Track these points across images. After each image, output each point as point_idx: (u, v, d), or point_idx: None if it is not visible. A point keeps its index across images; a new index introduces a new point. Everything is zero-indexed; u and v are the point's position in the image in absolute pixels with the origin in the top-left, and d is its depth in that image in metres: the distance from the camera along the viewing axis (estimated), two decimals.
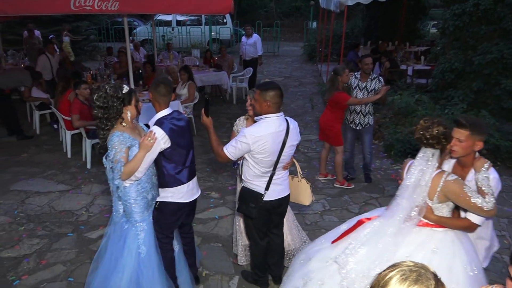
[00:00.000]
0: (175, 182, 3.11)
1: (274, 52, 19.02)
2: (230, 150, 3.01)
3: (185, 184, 3.16)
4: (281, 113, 3.12)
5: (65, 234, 4.43)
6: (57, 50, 12.30)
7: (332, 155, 5.80)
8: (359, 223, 2.86)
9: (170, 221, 3.24)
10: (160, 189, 3.15)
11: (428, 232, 2.65)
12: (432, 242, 2.61)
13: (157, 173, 3.12)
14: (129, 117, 2.90)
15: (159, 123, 3.00)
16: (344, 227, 3.02)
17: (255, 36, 10.62)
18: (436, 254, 2.56)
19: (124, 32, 6.51)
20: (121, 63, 9.24)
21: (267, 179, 3.16)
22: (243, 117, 3.65)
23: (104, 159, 2.93)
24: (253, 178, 3.16)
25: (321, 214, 4.97)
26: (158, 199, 3.17)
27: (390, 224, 2.66)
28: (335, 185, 5.65)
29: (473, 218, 2.58)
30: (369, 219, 2.86)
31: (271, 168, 3.13)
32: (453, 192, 2.52)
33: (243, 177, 3.23)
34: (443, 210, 2.63)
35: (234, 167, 3.62)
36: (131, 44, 9.26)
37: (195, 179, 3.29)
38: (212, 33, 18.81)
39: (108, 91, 2.78)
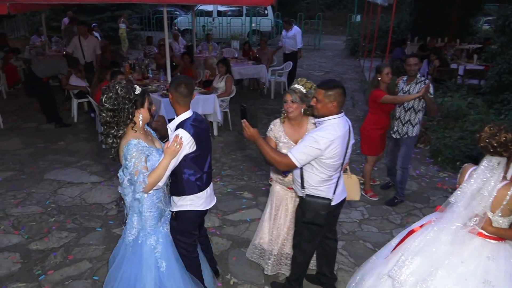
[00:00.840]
0: (194, 189, 2.91)
1: (315, 45, 18.54)
2: (299, 157, 2.73)
3: (204, 191, 2.97)
4: (343, 113, 2.90)
5: (94, 228, 4.34)
6: (99, 37, 12.46)
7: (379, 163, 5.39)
8: (410, 233, 2.70)
9: (191, 229, 3.06)
10: (175, 197, 2.94)
11: (481, 241, 2.54)
12: (486, 250, 2.50)
13: (173, 180, 2.88)
14: (141, 121, 2.64)
15: (182, 126, 2.77)
16: (394, 242, 2.84)
17: (295, 29, 10.26)
18: (492, 261, 2.45)
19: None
20: (162, 53, 9.13)
21: (332, 182, 2.96)
22: (278, 120, 3.33)
23: (120, 173, 2.69)
24: (319, 183, 2.92)
25: (360, 223, 4.65)
26: (175, 209, 2.96)
27: (446, 232, 2.52)
28: (361, 192, 5.12)
29: None
30: (420, 226, 2.70)
31: (338, 171, 2.94)
32: None
33: (305, 185, 2.96)
34: (503, 224, 2.49)
35: (285, 175, 3.31)
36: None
37: (211, 185, 3.11)
38: (253, 25, 18.55)
39: (119, 91, 2.51)
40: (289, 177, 3.28)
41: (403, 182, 4.97)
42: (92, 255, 3.91)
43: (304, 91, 3.10)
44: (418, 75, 4.72)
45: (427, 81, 4.67)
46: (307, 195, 2.97)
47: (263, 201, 4.95)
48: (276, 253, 3.53)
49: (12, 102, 8.99)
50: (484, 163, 2.47)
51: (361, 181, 5.36)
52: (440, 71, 8.94)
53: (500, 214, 2.45)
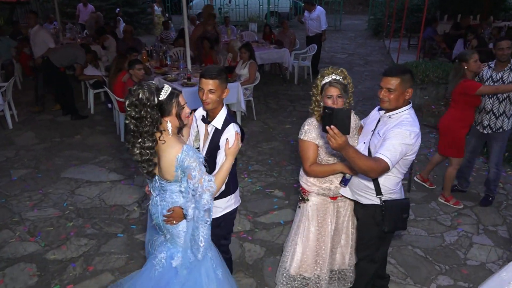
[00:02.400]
0: (236, 185, 2.80)
1: (335, 26, 17.82)
2: (394, 159, 2.34)
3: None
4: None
5: (115, 234, 3.99)
6: (123, 23, 12.05)
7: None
8: None
9: (232, 228, 2.97)
10: (220, 200, 2.67)
11: None
12: None
13: None
14: (170, 130, 2.22)
15: (230, 122, 2.58)
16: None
17: (319, 9, 9.64)
18: None
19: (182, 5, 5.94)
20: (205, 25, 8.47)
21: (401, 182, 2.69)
22: (313, 119, 2.73)
23: (184, 185, 2.28)
24: (396, 185, 2.63)
25: None
26: (220, 213, 2.71)
27: None
28: (439, 199, 4.62)
29: None
30: None
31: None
32: None
33: (382, 191, 2.59)
34: None
35: (342, 185, 2.75)
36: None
37: None
38: (270, 6, 17.86)
39: (140, 96, 2.11)
40: (336, 182, 2.82)
41: (497, 180, 4.47)
42: (114, 266, 3.56)
43: (344, 82, 2.63)
44: None
45: None
46: (387, 201, 2.59)
47: (296, 199, 4.53)
48: (326, 276, 3.00)
49: (27, 92, 8.68)
50: None
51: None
52: (478, 51, 8.21)
53: None
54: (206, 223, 2.28)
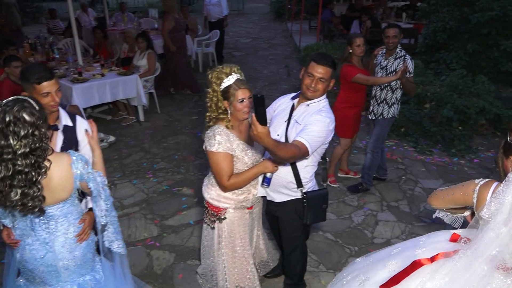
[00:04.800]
0: None
1: (238, 10, 17.71)
2: (314, 145, 2.29)
3: None
4: None
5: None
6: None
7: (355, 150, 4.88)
8: (416, 265, 1.93)
9: None
10: None
11: None
12: None
13: None
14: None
15: (75, 115, 2.52)
16: (390, 268, 2.04)
17: None
18: None
19: None
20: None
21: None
22: (222, 128, 2.39)
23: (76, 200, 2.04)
24: (312, 175, 2.61)
25: None
26: None
27: (472, 269, 1.77)
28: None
29: None
30: (429, 260, 1.92)
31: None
32: None
33: (303, 182, 2.51)
34: None
35: (265, 185, 2.45)
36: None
37: None
38: None
39: (28, 118, 1.69)
40: (253, 190, 2.59)
41: (371, 168, 4.43)
42: None
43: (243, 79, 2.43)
44: (398, 49, 4.06)
45: (408, 57, 4.07)
46: (306, 193, 2.53)
47: None
48: (257, 278, 2.81)
49: None
50: None
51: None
52: (373, 32, 8.66)
53: None
54: (116, 218, 2.11)
